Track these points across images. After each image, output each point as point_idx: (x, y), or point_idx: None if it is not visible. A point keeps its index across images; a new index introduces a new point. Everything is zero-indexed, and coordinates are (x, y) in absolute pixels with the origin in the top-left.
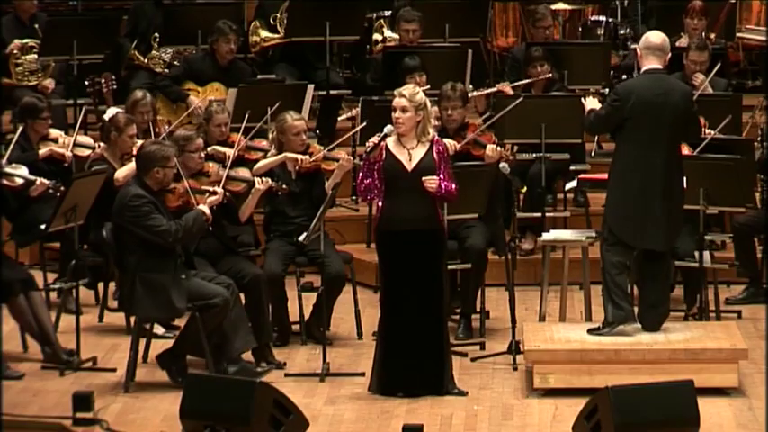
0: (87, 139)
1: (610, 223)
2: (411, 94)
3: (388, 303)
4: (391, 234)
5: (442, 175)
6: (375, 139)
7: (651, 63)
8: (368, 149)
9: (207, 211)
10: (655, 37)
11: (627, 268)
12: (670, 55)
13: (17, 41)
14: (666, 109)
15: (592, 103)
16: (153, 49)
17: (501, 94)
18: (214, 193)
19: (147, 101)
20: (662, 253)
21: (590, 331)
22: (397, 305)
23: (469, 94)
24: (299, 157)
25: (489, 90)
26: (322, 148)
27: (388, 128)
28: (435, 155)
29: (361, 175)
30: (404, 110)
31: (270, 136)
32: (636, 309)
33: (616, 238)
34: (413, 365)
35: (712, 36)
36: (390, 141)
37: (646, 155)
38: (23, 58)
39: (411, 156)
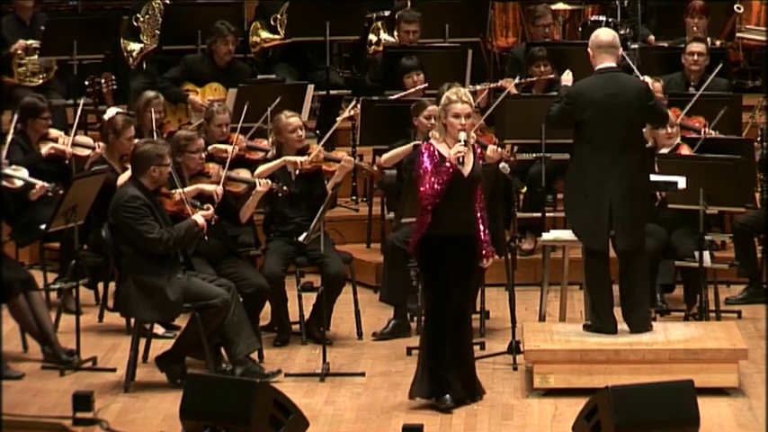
0: (87, 139)
1: (572, 229)
2: (469, 97)
3: (438, 308)
4: (443, 237)
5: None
6: (463, 149)
7: (604, 61)
8: (459, 160)
9: (201, 221)
10: (604, 34)
11: (606, 274)
12: (621, 50)
13: (22, 42)
14: (619, 108)
15: (566, 79)
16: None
17: (502, 90)
18: (207, 209)
19: (160, 99)
20: (635, 253)
21: (584, 327)
22: (447, 310)
23: (472, 88)
24: (299, 159)
25: (492, 85)
26: (320, 148)
27: (462, 135)
28: (479, 159)
29: (433, 180)
30: (468, 115)
31: (270, 138)
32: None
33: (584, 243)
34: (459, 370)
35: (718, 43)
36: (442, 148)
37: (602, 156)
38: (27, 59)
39: (464, 161)
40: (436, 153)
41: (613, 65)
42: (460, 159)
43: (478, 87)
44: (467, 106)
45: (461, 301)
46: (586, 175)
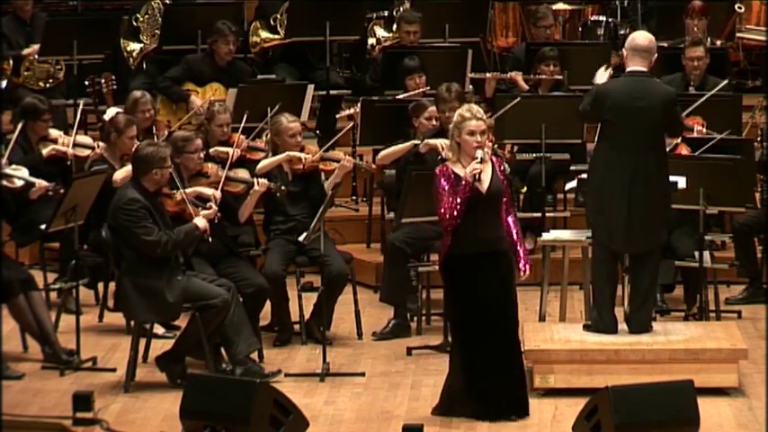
0: (87, 139)
1: (591, 226)
2: (482, 113)
3: (466, 327)
4: (467, 256)
5: (505, 198)
6: (479, 167)
7: (635, 65)
8: (476, 177)
9: (202, 224)
10: (641, 38)
11: (614, 273)
12: (656, 56)
13: (35, 47)
14: (645, 114)
15: (601, 77)
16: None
17: (510, 83)
18: (209, 207)
19: (146, 98)
20: (647, 256)
21: (584, 327)
22: (476, 328)
23: (482, 75)
24: (303, 155)
25: (501, 75)
26: (318, 149)
27: (479, 153)
28: (499, 174)
29: (450, 200)
30: (483, 132)
31: (264, 138)
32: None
33: (598, 241)
34: (497, 390)
35: (718, 42)
36: (458, 169)
37: (623, 158)
38: (36, 64)
39: (480, 178)
40: (452, 174)
41: (644, 69)
42: (476, 177)
43: (488, 75)
44: (481, 123)
45: (501, 316)
46: (606, 174)
